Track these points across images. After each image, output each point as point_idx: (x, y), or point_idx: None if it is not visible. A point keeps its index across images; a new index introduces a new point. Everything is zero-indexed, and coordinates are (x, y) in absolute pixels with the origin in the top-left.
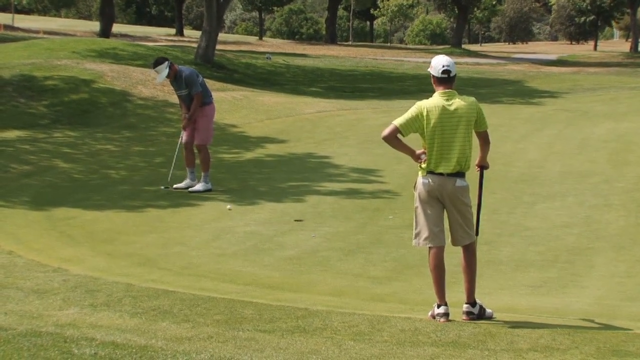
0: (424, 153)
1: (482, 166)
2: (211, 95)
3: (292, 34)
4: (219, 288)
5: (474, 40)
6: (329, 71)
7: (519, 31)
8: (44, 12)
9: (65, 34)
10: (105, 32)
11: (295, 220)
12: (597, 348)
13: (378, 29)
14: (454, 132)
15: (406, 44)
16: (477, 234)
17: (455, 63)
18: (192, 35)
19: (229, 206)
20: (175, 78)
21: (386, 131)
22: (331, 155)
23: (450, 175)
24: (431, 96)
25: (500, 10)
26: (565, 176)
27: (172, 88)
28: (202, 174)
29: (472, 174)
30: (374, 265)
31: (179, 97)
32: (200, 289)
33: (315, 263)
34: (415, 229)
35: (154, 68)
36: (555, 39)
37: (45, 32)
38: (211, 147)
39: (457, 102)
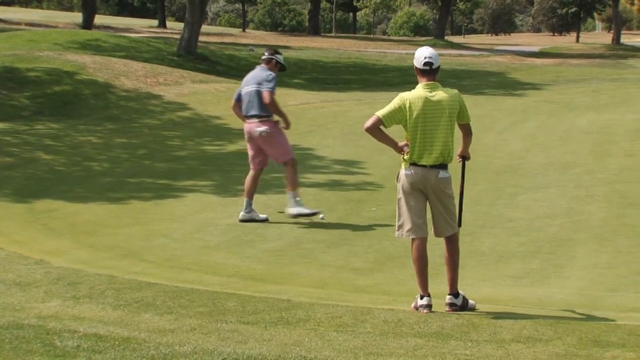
0: (406, 145)
1: (464, 157)
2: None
3: (275, 26)
4: (202, 280)
5: (457, 32)
6: (312, 63)
7: (502, 23)
8: (25, 3)
9: (47, 26)
10: (87, 24)
11: (279, 212)
12: (579, 338)
13: (361, 20)
14: (436, 123)
15: (389, 36)
16: (459, 225)
17: (439, 55)
18: (175, 27)
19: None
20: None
21: (369, 122)
22: (314, 147)
23: (433, 166)
24: (414, 88)
25: (482, 2)
26: (547, 167)
27: (155, 80)
28: (294, 192)
29: (455, 165)
30: (357, 256)
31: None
32: (183, 281)
33: (299, 255)
34: (398, 220)
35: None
36: (537, 30)
37: (26, 24)
38: (195, 138)
39: (440, 94)
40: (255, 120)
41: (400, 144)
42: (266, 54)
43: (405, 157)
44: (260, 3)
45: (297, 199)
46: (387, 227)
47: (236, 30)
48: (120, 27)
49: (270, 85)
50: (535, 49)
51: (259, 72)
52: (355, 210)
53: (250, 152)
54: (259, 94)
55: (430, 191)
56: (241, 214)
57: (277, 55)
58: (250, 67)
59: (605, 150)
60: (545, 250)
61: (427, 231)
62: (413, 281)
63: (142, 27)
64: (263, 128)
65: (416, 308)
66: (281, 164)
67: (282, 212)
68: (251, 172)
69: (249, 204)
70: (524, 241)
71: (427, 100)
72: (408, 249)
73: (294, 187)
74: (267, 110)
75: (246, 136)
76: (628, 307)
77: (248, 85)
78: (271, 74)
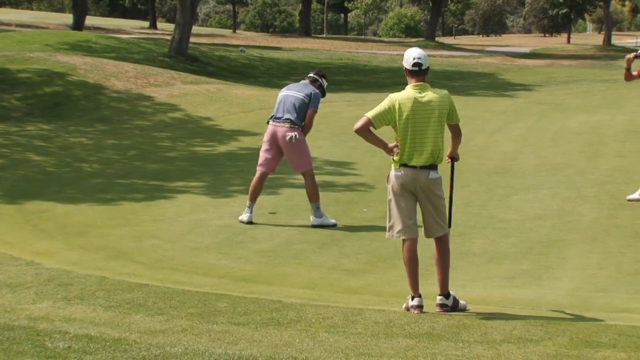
0: (396, 146)
1: (453, 158)
2: (273, 115)
3: (265, 27)
4: (192, 281)
5: (448, 33)
6: (303, 64)
7: (493, 24)
8: (15, 4)
9: (37, 27)
10: (78, 25)
11: (270, 213)
12: (570, 339)
13: (352, 21)
14: (426, 124)
15: (380, 37)
16: (449, 225)
17: (429, 56)
18: (166, 28)
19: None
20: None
21: (358, 124)
22: None
23: (423, 167)
24: (404, 89)
25: (473, 3)
26: (538, 168)
27: (146, 81)
28: (316, 203)
29: (444, 166)
30: (348, 257)
31: None
32: (174, 282)
33: (289, 256)
34: (389, 221)
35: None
36: (528, 31)
37: (17, 25)
38: (185, 139)
39: (430, 95)
40: (287, 124)
41: (390, 145)
42: (313, 74)
43: (395, 158)
44: (251, 4)
45: (320, 209)
46: (378, 228)
47: (227, 32)
48: (111, 28)
49: (318, 106)
50: (526, 50)
51: (306, 86)
52: (346, 211)
53: (266, 154)
54: (303, 104)
55: (420, 192)
56: (247, 216)
57: (322, 79)
58: (241, 68)
59: (596, 151)
60: (536, 251)
61: (418, 232)
62: (404, 282)
63: (133, 28)
64: (294, 133)
65: (407, 309)
66: (299, 172)
67: (273, 213)
68: (258, 175)
69: (252, 206)
70: (515, 242)
71: (416, 101)
72: (399, 250)
73: (316, 199)
74: (301, 120)
75: (267, 137)
76: (619, 308)
77: (291, 90)
78: (319, 93)
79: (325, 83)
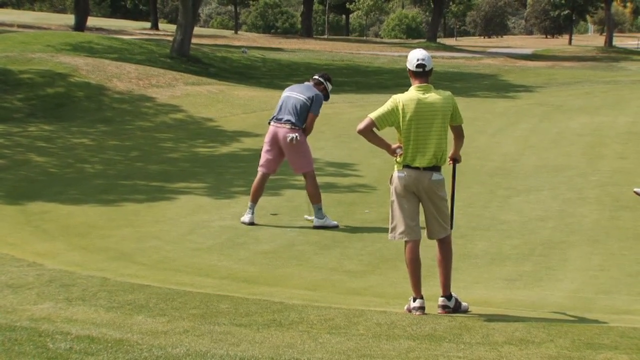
0: (399, 147)
1: (455, 159)
2: (274, 115)
3: (267, 28)
4: (194, 282)
5: (450, 34)
6: (304, 65)
7: (494, 25)
8: (17, 5)
9: (39, 28)
10: (79, 26)
11: (271, 214)
12: (571, 341)
13: (354, 23)
14: (429, 125)
15: (382, 38)
16: (452, 227)
17: (431, 57)
18: (168, 29)
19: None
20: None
21: (362, 125)
22: None
23: (426, 169)
24: (407, 90)
25: (475, 5)
26: (540, 170)
27: (148, 82)
28: (318, 205)
29: (446, 168)
30: (349, 259)
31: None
32: (175, 283)
33: (291, 257)
34: (391, 223)
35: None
36: (530, 33)
37: (19, 26)
38: (187, 140)
39: (433, 96)
40: (288, 126)
41: (393, 146)
42: (318, 76)
43: (398, 159)
44: (253, 5)
45: (321, 210)
46: (380, 229)
47: (229, 33)
48: (112, 29)
49: (319, 109)
50: (528, 51)
51: (309, 88)
52: (348, 212)
53: (267, 155)
54: (304, 106)
55: (423, 193)
56: (248, 217)
57: (327, 83)
58: (242, 69)
59: (598, 152)
60: (538, 252)
61: (420, 233)
62: (406, 283)
63: (134, 29)
64: (295, 135)
65: (409, 310)
66: (300, 174)
67: (275, 215)
68: (259, 176)
69: (254, 207)
70: (517, 244)
71: (420, 102)
72: (401, 252)
73: (317, 201)
74: (302, 122)
75: (268, 138)
76: (620, 309)
77: (294, 92)
78: (322, 96)
79: (330, 87)
